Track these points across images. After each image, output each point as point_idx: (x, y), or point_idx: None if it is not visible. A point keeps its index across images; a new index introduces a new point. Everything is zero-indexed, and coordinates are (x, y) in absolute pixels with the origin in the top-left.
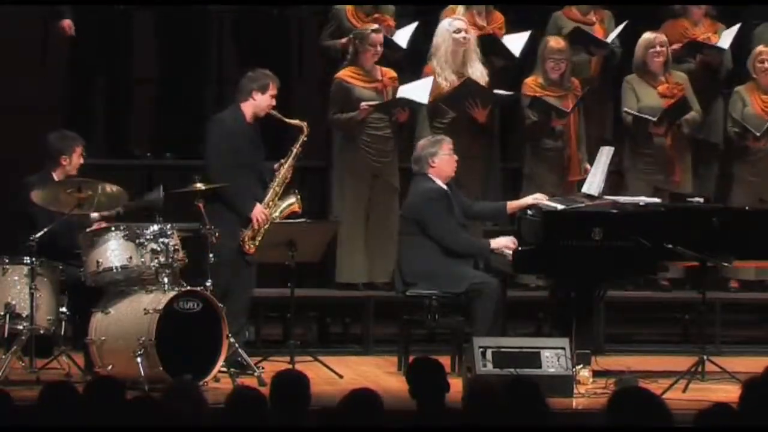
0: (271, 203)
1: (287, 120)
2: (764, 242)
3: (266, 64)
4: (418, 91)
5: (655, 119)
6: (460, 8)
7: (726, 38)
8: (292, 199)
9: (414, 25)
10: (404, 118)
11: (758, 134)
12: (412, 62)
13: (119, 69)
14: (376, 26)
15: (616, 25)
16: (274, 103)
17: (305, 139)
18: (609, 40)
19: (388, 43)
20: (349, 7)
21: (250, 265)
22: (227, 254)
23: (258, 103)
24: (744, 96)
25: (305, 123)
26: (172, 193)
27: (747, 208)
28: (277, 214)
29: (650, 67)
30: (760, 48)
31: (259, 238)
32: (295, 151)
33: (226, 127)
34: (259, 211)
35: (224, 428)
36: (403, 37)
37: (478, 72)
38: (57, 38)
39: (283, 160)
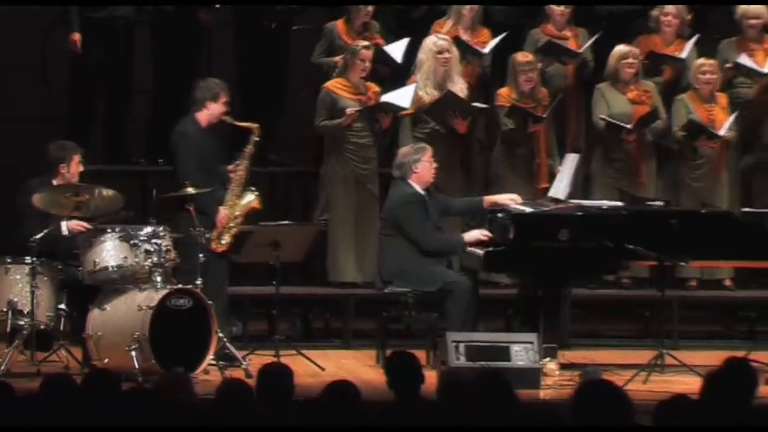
0: (232, 203)
1: (239, 123)
2: (718, 243)
3: (259, 77)
4: (401, 97)
5: (630, 126)
6: (448, 24)
7: (685, 50)
8: (251, 197)
9: (406, 40)
10: (387, 124)
11: (718, 134)
12: (402, 76)
13: (117, 81)
14: (367, 43)
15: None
16: (226, 109)
17: (257, 140)
18: (581, 50)
19: (383, 59)
20: (341, 25)
21: (222, 264)
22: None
23: (212, 111)
24: (687, 104)
25: (256, 125)
26: (164, 197)
27: (703, 210)
28: (238, 212)
29: (621, 77)
30: (701, 60)
31: (226, 238)
32: (247, 152)
33: (191, 138)
34: (222, 215)
35: (213, 417)
36: (397, 51)
37: (458, 86)
38: (57, 50)
39: (238, 162)
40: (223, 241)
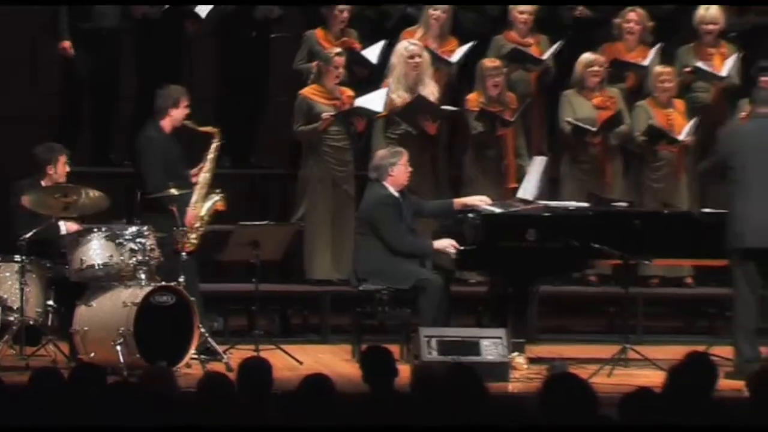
0: (197, 205)
1: (200, 128)
2: (679, 242)
3: (244, 84)
4: (374, 100)
5: (594, 129)
6: (417, 33)
7: (650, 56)
8: (216, 198)
9: (382, 42)
10: (362, 127)
11: (680, 138)
12: (378, 77)
13: (104, 87)
14: (339, 50)
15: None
16: (187, 112)
17: (218, 143)
18: (545, 57)
19: (360, 60)
20: (319, 32)
21: (191, 263)
22: (169, 254)
23: (174, 117)
24: (647, 109)
25: (217, 129)
26: (148, 198)
27: (665, 211)
28: (203, 213)
29: (587, 84)
30: (659, 68)
31: (194, 237)
32: (211, 155)
33: (156, 144)
34: (190, 216)
35: (196, 410)
36: (373, 53)
37: (429, 90)
38: (48, 56)
39: (201, 165)
40: (191, 241)
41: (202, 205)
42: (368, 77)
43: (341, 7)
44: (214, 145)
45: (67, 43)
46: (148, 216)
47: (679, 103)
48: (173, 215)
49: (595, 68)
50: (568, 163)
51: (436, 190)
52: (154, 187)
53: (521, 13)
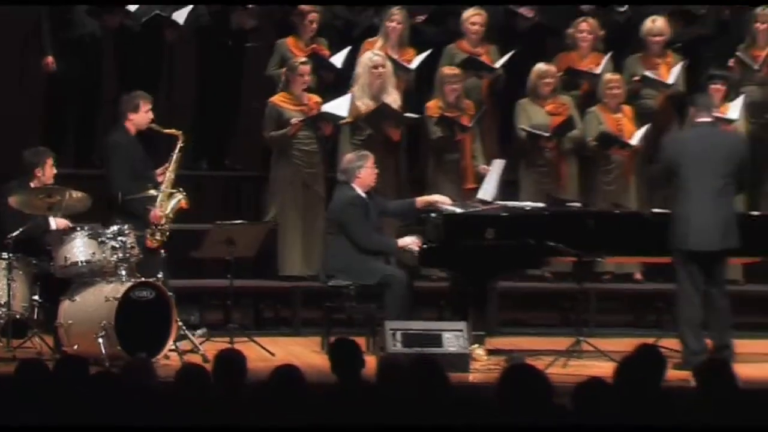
0: (162, 204)
1: (165, 130)
2: (630, 240)
3: (220, 90)
4: (339, 106)
5: (547, 135)
6: (378, 43)
7: (602, 65)
8: (179, 198)
9: (347, 49)
10: (329, 131)
11: (632, 143)
12: (343, 81)
13: (87, 93)
14: (304, 59)
15: (500, 57)
16: (150, 116)
17: (182, 145)
18: (497, 66)
19: (326, 66)
20: (290, 40)
21: (155, 259)
22: (147, 252)
23: (135, 121)
24: (598, 115)
25: (180, 132)
26: (130, 199)
27: (616, 211)
28: (168, 211)
29: (540, 93)
30: (609, 76)
31: (158, 235)
32: (174, 156)
33: (121, 147)
34: (154, 214)
35: (173, 398)
36: (338, 59)
37: (392, 98)
38: (34, 61)
39: (166, 165)
40: (156, 238)
41: (167, 203)
42: (334, 82)
43: (311, 17)
44: (178, 146)
45: (50, 59)
46: (121, 218)
47: (628, 109)
48: (147, 215)
49: (548, 79)
50: (525, 167)
51: (399, 191)
52: (119, 189)
53: (473, 24)
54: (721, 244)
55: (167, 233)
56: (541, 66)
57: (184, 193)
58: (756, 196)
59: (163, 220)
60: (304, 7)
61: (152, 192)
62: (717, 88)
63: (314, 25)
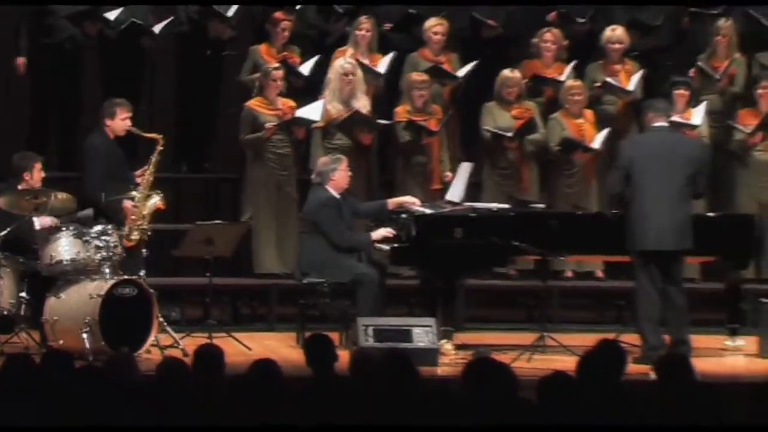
0: (139, 204)
1: (145, 134)
2: (591, 240)
3: (199, 96)
4: (312, 111)
5: (510, 135)
6: (349, 50)
7: (565, 73)
8: (156, 199)
9: (316, 57)
10: (302, 135)
11: (594, 146)
12: (313, 87)
13: (69, 98)
14: (277, 64)
15: (462, 65)
16: (128, 124)
17: (161, 148)
18: (461, 74)
19: (294, 73)
20: (263, 47)
21: (131, 258)
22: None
23: (112, 126)
24: (561, 121)
25: (161, 136)
26: (111, 200)
27: (579, 212)
28: (146, 212)
29: (505, 98)
30: (570, 82)
31: (135, 234)
32: (154, 159)
33: (98, 149)
34: (128, 206)
35: (154, 391)
36: (306, 67)
37: (361, 103)
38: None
39: (146, 167)
40: (132, 237)
41: (145, 204)
42: (303, 88)
43: (283, 24)
44: (157, 150)
45: (21, 60)
46: (101, 218)
47: (589, 114)
48: (125, 215)
49: (512, 85)
50: (488, 169)
51: (370, 193)
52: (93, 190)
53: (435, 33)
54: (678, 244)
55: (148, 233)
56: (506, 72)
57: (162, 195)
58: (715, 199)
59: (140, 221)
60: (277, 15)
61: (134, 193)
62: (681, 94)
63: (286, 33)
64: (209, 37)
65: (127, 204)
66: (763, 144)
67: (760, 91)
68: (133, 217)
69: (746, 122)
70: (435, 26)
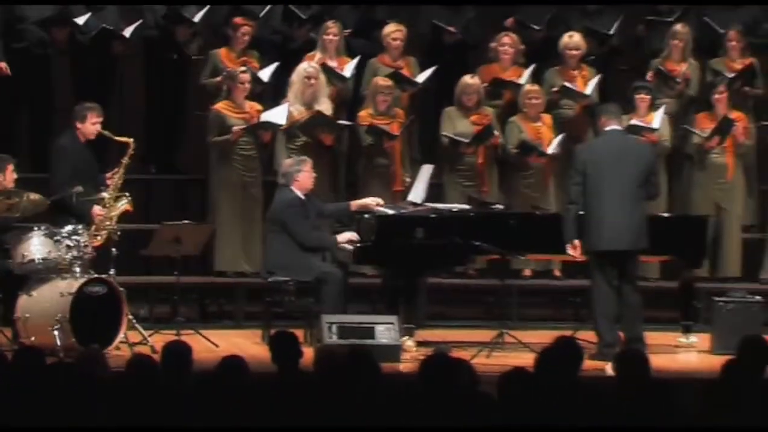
0: (107, 205)
1: (116, 138)
2: (549, 240)
3: (167, 99)
4: (277, 114)
5: (467, 141)
6: (318, 54)
7: (524, 76)
8: (124, 201)
9: (275, 64)
10: (268, 138)
11: (547, 152)
12: (275, 92)
13: (40, 101)
14: (244, 68)
15: (422, 70)
16: (98, 128)
17: (132, 152)
18: (420, 80)
19: (256, 78)
20: (223, 51)
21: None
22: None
23: (83, 130)
24: (519, 124)
25: (131, 140)
26: (82, 200)
27: (537, 212)
28: (113, 213)
29: (464, 104)
30: (528, 87)
31: (102, 234)
32: (124, 162)
33: (66, 150)
34: (96, 210)
35: (124, 387)
36: (266, 73)
37: (324, 107)
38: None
39: (115, 170)
40: (98, 237)
41: (113, 206)
42: (262, 93)
43: (244, 30)
44: (128, 153)
45: (2, 64)
46: (64, 217)
47: (547, 118)
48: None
49: (470, 93)
50: (448, 171)
51: (334, 194)
52: (57, 189)
53: (394, 39)
54: (632, 244)
55: (117, 233)
56: (466, 79)
57: (130, 198)
58: (673, 200)
59: (106, 221)
60: (238, 20)
61: (104, 194)
62: (642, 98)
63: (246, 38)
64: (176, 41)
65: (96, 209)
66: (719, 147)
67: (716, 96)
68: (100, 218)
69: (703, 126)
70: (394, 32)
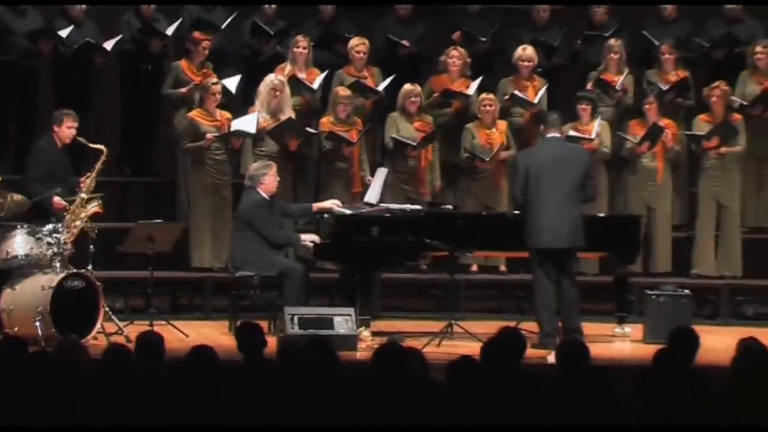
0: (79, 206)
1: (90, 145)
2: (495, 238)
3: (141, 106)
4: (247, 123)
5: (414, 144)
6: (288, 66)
7: (471, 88)
8: (95, 203)
9: (239, 76)
10: (238, 145)
11: (486, 159)
12: (245, 102)
13: (25, 108)
14: (215, 79)
15: (383, 79)
16: (73, 132)
17: (105, 158)
18: (380, 88)
19: (224, 90)
20: (183, 63)
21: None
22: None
23: (58, 133)
24: (472, 131)
25: (104, 147)
26: (37, 199)
27: (483, 212)
28: (84, 214)
29: (407, 110)
30: (483, 95)
31: (73, 231)
32: (97, 167)
33: (41, 152)
34: (56, 201)
35: (100, 374)
36: (232, 84)
37: (288, 115)
38: None
39: (88, 174)
40: (69, 234)
41: (84, 207)
42: (227, 102)
43: (204, 44)
44: (102, 158)
45: None
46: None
47: (502, 125)
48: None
49: (413, 98)
50: (391, 173)
51: (297, 195)
52: (27, 187)
53: (358, 52)
54: (569, 243)
55: (95, 231)
56: (407, 86)
57: (100, 202)
58: (611, 201)
59: (77, 221)
60: (197, 35)
61: (83, 195)
62: (584, 108)
63: (206, 51)
64: (150, 53)
65: (56, 199)
66: (650, 152)
67: (647, 105)
68: (69, 217)
69: (635, 132)
70: (357, 45)
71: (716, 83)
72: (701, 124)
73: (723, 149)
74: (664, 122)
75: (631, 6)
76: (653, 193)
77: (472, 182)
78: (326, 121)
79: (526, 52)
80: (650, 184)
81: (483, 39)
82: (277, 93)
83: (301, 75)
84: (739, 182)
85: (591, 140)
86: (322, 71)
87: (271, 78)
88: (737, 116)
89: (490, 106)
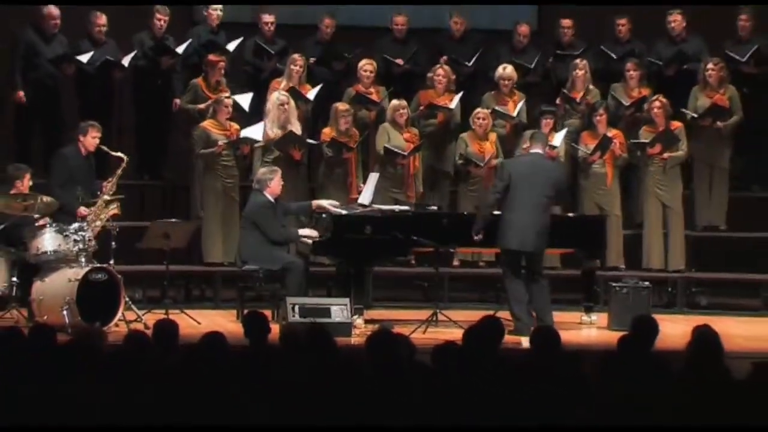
0: (100, 207)
1: (113, 153)
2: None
3: (152, 118)
4: (254, 131)
5: (405, 153)
6: (284, 81)
7: (454, 102)
8: (114, 205)
9: (250, 94)
10: (247, 150)
11: (481, 164)
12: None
13: (51, 121)
14: (228, 94)
15: (387, 96)
16: (96, 141)
17: (125, 165)
18: (381, 101)
19: (236, 106)
20: (200, 81)
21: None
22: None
23: (84, 142)
24: (466, 140)
25: (125, 156)
26: (65, 203)
27: (465, 213)
28: (103, 215)
29: (397, 122)
30: (478, 110)
31: (94, 230)
32: (118, 173)
33: (65, 159)
34: (80, 210)
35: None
36: (245, 102)
37: (295, 127)
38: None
39: (110, 179)
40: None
41: (104, 209)
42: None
43: (220, 65)
44: (122, 165)
45: (21, 93)
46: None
47: (492, 135)
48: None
49: (401, 111)
50: (381, 177)
51: (299, 197)
52: (52, 191)
53: (365, 71)
54: (536, 247)
55: (116, 229)
56: (395, 101)
57: (118, 204)
58: (570, 203)
59: (97, 221)
60: (212, 57)
61: (106, 198)
62: (547, 122)
63: (222, 71)
64: (161, 69)
65: (81, 209)
66: (601, 160)
67: (597, 117)
68: (91, 217)
69: (586, 142)
70: (365, 65)
71: (655, 96)
72: (645, 134)
73: (666, 155)
74: (612, 133)
75: (593, 27)
76: (603, 196)
77: (466, 185)
78: (328, 132)
79: (506, 71)
80: (602, 188)
81: (468, 63)
82: (285, 107)
83: (299, 89)
84: (680, 185)
85: (553, 147)
86: (316, 85)
87: (276, 95)
88: (677, 124)
89: (483, 119)
